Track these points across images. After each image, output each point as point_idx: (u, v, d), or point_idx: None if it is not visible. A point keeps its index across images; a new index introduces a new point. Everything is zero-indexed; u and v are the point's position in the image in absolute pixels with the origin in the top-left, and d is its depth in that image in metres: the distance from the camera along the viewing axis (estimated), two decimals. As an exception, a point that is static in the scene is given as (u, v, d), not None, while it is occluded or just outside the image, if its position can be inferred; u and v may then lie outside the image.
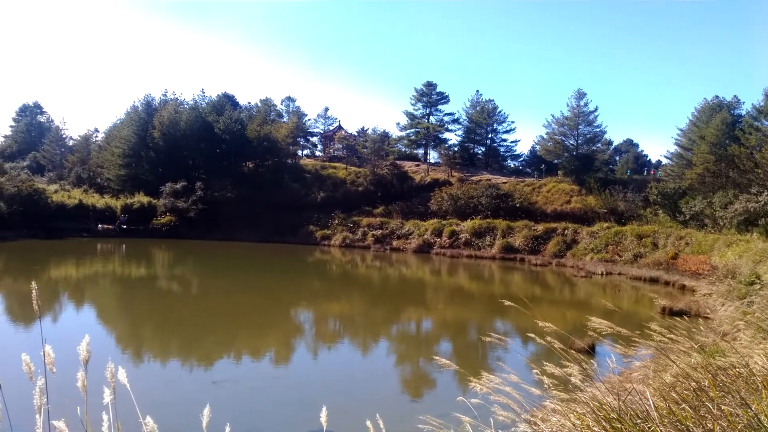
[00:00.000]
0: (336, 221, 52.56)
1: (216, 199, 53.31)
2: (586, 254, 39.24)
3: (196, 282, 29.65)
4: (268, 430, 9.10)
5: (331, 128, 78.48)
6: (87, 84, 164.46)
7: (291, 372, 13.41)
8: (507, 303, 4.19)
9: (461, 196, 51.43)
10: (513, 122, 74.41)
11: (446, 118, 75.80)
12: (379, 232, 50.19)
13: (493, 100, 73.12)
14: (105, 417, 2.44)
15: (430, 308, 24.10)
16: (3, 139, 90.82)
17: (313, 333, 18.42)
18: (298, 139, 70.67)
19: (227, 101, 67.66)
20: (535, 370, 4.20)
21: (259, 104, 72.13)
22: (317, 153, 78.28)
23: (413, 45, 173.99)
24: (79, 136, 78.59)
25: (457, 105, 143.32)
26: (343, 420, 7.49)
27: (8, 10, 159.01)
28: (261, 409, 10.05)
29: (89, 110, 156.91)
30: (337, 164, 66.51)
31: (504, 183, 56.61)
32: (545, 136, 63.31)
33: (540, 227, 44.48)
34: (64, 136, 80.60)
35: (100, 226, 50.54)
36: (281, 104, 76.50)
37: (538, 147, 67.54)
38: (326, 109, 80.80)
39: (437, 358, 4.01)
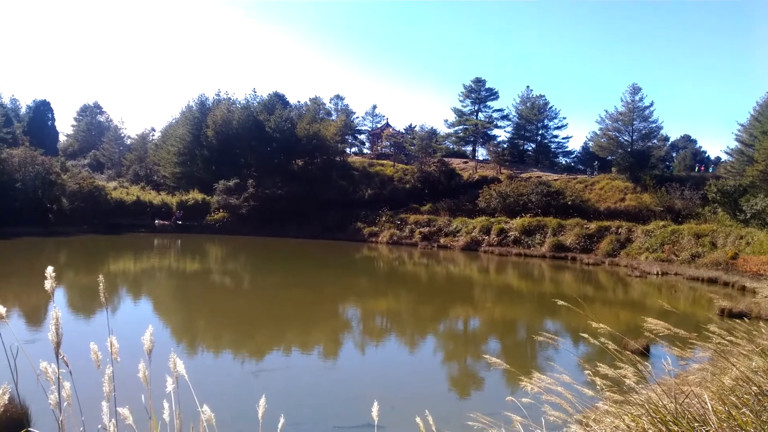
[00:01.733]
0: (383, 218, 52.72)
1: (267, 196, 54.30)
2: (640, 253, 38.08)
3: (247, 277, 30.31)
4: (319, 422, 9.23)
5: (379, 126, 78.72)
6: (144, 84, 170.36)
7: (339, 366, 13.55)
8: (560, 302, 4.11)
9: (510, 193, 50.72)
10: (564, 118, 72.99)
11: (495, 115, 74.92)
12: (427, 229, 50.05)
13: (543, 96, 71.81)
14: (166, 405, 2.54)
15: (477, 306, 23.90)
16: (65, 138, 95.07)
17: (360, 329, 18.57)
18: (347, 136, 71.23)
19: (278, 100, 68.80)
20: (587, 371, 4.12)
21: (309, 103, 73.06)
22: (365, 150, 78.68)
23: (462, 41, 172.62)
24: (137, 135, 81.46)
25: (507, 101, 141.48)
26: (391, 416, 7.52)
27: (69, 14, 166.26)
28: (311, 402, 10.21)
29: (146, 110, 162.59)
30: (384, 162, 66.69)
31: (555, 180, 55.52)
32: (598, 132, 61.67)
33: (592, 225, 43.40)
34: (122, 135, 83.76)
35: (156, 221, 52.32)
36: (330, 102, 77.28)
37: (590, 143, 65.85)
38: (374, 107, 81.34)
39: (487, 356, 3.98)
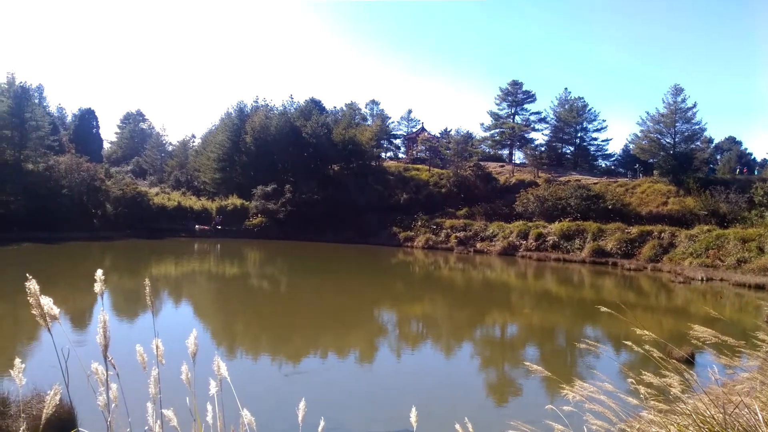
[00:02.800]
0: (419, 223, 52.64)
1: (303, 201, 54.87)
2: (684, 258, 37.02)
3: (284, 281, 30.65)
4: (356, 427, 9.26)
5: (414, 130, 78.72)
6: (185, 92, 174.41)
7: (375, 371, 13.56)
8: (602, 309, 4.03)
9: (548, 197, 50.01)
10: (604, 120, 71.73)
11: (532, 118, 74.21)
12: (462, 234, 49.75)
13: (582, 98, 70.69)
14: (209, 407, 2.59)
15: (515, 312, 23.60)
16: (109, 146, 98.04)
17: (396, 333, 18.55)
18: (382, 141, 71.44)
19: (314, 106, 69.55)
20: (630, 379, 4.03)
21: (345, 108, 73.60)
22: (400, 155, 78.78)
23: (498, 44, 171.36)
24: (178, 141, 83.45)
25: (544, 104, 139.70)
26: (428, 422, 7.46)
27: (113, 26, 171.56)
28: (347, 406, 10.24)
29: (187, 117, 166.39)
30: (420, 166, 66.64)
31: (595, 183, 54.56)
32: (639, 135, 60.40)
33: (634, 230, 42.38)
34: (164, 141, 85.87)
35: (197, 226, 53.41)
36: (365, 108, 77.64)
37: (631, 146, 64.46)
38: (409, 112, 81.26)
39: (527, 363, 3.92)
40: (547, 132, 74.14)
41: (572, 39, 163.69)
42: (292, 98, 72.50)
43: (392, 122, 77.45)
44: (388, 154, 77.67)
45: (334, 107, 75.43)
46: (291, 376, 12.44)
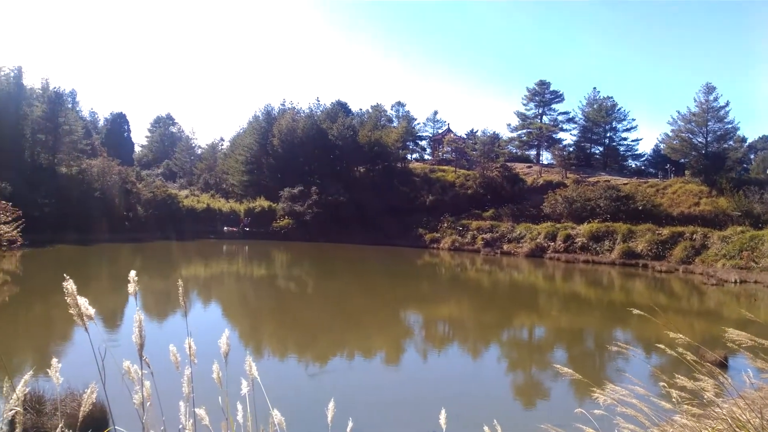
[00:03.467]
0: (445, 224, 52.44)
1: (330, 203, 55.13)
2: (717, 260, 36.16)
3: (311, 282, 30.84)
4: (383, 428, 9.27)
5: (440, 131, 78.52)
6: (214, 96, 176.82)
7: (402, 372, 13.56)
8: (635, 312, 3.96)
9: (577, 198, 49.36)
10: (634, 120, 70.68)
11: (560, 118, 73.45)
12: (489, 235, 49.40)
13: (611, 98, 69.72)
14: (239, 407, 2.62)
15: (543, 314, 23.35)
16: (140, 149, 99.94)
17: (422, 335, 18.51)
18: (408, 143, 71.44)
19: (340, 108, 69.90)
20: (662, 383, 3.96)
21: (370, 110, 73.80)
22: (426, 156, 78.62)
23: (525, 44, 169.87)
24: (207, 144, 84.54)
25: (573, 103, 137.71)
26: (456, 424, 7.42)
27: (142, 31, 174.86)
28: (374, 407, 10.26)
29: (216, 120, 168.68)
30: (445, 167, 66.43)
31: (624, 184, 53.69)
32: (670, 134, 59.21)
33: (665, 231, 41.54)
34: (193, 145, 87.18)
35: (225, 228, 54.09)
36: (391, 109, 77.73)
37: (662, 145, 63.27)
38: (435, 113, 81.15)
39: (558, 366, 3.88)
40: (575, 132, 73.37)
41: (601, 37, 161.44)
42: (318, 101, 72.96)
43: (418, 124, 77.41)
44: (414, 156, 77.59)
45: (360, 109, 75.79)
46: (318, 377, 12.52)
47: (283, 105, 69.12)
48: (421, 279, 33.63)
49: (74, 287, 2.23)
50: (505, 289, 30.85)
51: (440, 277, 35.28)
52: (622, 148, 71.72)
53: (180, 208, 54.16)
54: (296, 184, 57.07)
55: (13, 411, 2.40)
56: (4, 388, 2.61)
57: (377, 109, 73.23)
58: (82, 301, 2.27)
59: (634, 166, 71.56)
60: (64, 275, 2.24)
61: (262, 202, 57.99)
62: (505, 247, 47.67)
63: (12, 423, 5.43)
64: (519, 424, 8.94)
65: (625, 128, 70.27)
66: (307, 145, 60.70)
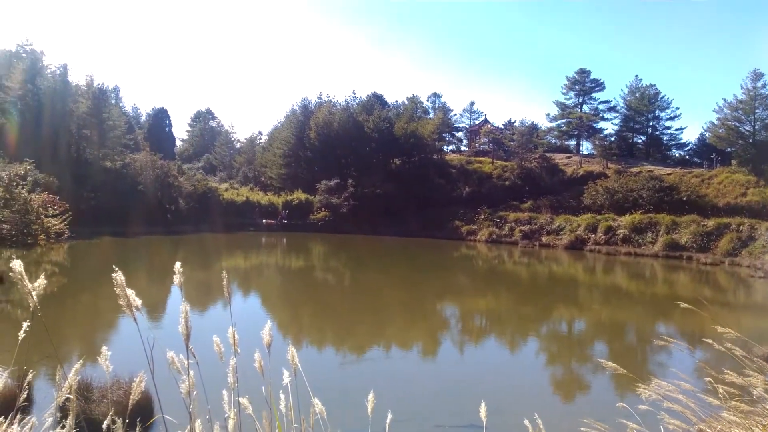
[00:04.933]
0: (482, 216, 51.99)
1: (366, 195, 55.32)
2: (765, 252, 34.82)
3: (348, 274, 31.05)
4: (420, 420, 9.29)
5: (477, 122, 77.74)
6: (252, 90, 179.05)
7: (439, 365, 13.55)
8: (682, 305, 3.86)
9: (619, 189, 48.29)
10: (678, 108, 68.49)
11: (601, 107, 71.84)
12: (527, 227, 48.77)
13: (654, 85, 67.77)
14: (282, 396, 2.66)
15: (583, 308, 22.98)
16: (181, 143, 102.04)
17: (459, 328, 18.46)
18: (444, 134, 70.98)
19: (376, 101, 69.88)
20: (707, 378, 3.85)
21: (406, 102, 73.56)
22: (462, 148, 77.98)
23: (564, 31, 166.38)
24: (246, 138, 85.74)
25: (614, 92, 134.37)
26: (496, 417, 7.35)
27: (183, 28, 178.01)
28: (411, 399, 10.29)
29: (254, 114, 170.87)
30: (482, 158, 65.80)
31: (668, 174, 52.26)
32: (716, 122, 57.16)
33: (710, 222, 40.26)
34: (232, 139, 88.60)
35: (264, 221, 54.93)
36: (427, 101, 77.27)
37: (707, 134, 61.21)
38: (472, 104, 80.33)
39: (601, 360, 3.81)
40: (616, 121, 71.69)
41: (643, 24, 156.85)
42: (354, 93, 73.04)
43: (454, 115, 76.79)
44: (450, 147, 77.06)
45: (396, 101, 75.59)
46: (355, 367, 12.62)
47: (320, 98, 69.59)
48: (458, 271, 33.48)
49: (123, 278, 2.29)
50: (544, 282, 30.45)
51: (477, 270, 35.05)
52: (665, 138, 69.83)
53: (220, 201, 55.20)
54: (333, 176, 57.44)
55: (64, 397, 2.49)
56: (57, 376, 2.71)
57: (413, 100, 72.93)
58: (130, 292, 2.34)
59: (678, 155, 69.59)
60: (113, 267, 2.31)
61: (299, 195, 58.60)
62: (544, 239, 47.01)
63: (62, 409, 5.62)
64: (559, 418, 8.84)
65: (668, 117, 68.37)
66: (343, 137, 60.99)
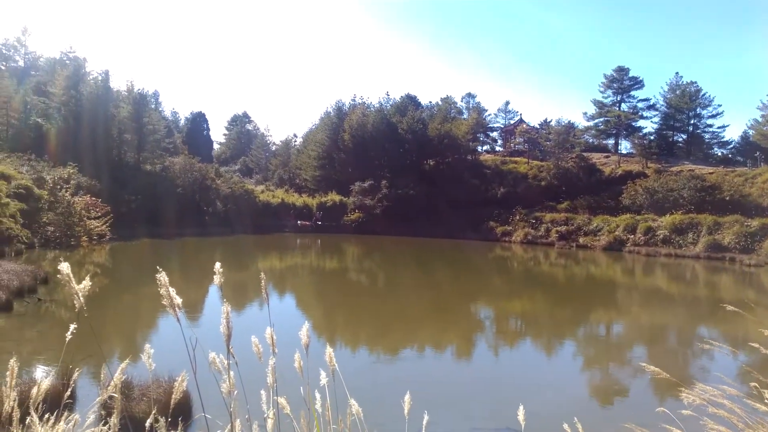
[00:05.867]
0: (517, 217, 51.48)
1: (399, 197, 55.38)
2: (814, 254, 33.62)
3: (382, 275, 31.09)
4: (456, 423, 9.23)
5: (512, 122, 77.04)
6: (287, 93, 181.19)
7: (474, 367, 13.44)
8: (729, 308, 3.76)
9: (659, 188, 47.20)
10: (720, 105, 66.70)
11: (640, 105, 70.47)
12: (564, 228, 48.07)
13: (695, 83, 66.13)
14: (318, 396, 2.69)
15: (621, 310, 22.50)
16: (218, 146, 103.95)
17: (494, 330, 18.28)
18: (478, 134, 70.55)
19: (410, 102, 69.93)
20: (753, 383, 3.73)
21: (440, 103, 73.39)
22: (497, 148, 77.40)
23: (601, 30, 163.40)
24: (281, 141, 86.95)
25: (653, 90, 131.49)
26: (534, 421, 7.26)
27: (220, 33, 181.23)
28: (446, 401, 10.23)
29: (289, 117, 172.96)
30: (518, 159, 65.18)
31: (710, 173, 50.86)
32: (760, 120, 55.43)
33: (754, 223, 38.98)
34: (268, 141, 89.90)
35: (299, 222, 55.53)
36: (461, 101, 77.00)
37: (751, 132, 59.36)
38: (507, 103, 79.80)
39: (644, 364, 3.74)
40: (656, 120, 70.25)
41: (682, 20, 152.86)
42: (388, 95, 73.49)
43: (489, 115, 76.32)
44: (485, 148, 76.55)
45: (430, 102, 75.49)
46: (389, 369, 12.62)
47: (354, 100, 70.06)
48: (493, 273, 33.17)
49: (167, 279, 2.35)
50: (581, 284, 29.93)
51: (512, 271, 34.67)
52: (707, 136, 68.00)
53: (256, 202, 56.04)
54: (366, 178, 57.68)
55: (109, 395, 2.57)
56: (102, 375, 2.80)
57: (447, 101, 72.69)
58: (172, 293, 2.40)
59: (720, 154, 67.69)
60: (157, 267, 2.37)
61: (333, 197, 59.05)
62: (581, 240, 46.27)
63: (104, 406, 5.76)
64: (599, 423, 8.68)
65: (710, 114, 66.58)
66: (377, 139, 61.19)
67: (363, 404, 2.83)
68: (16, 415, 2.65)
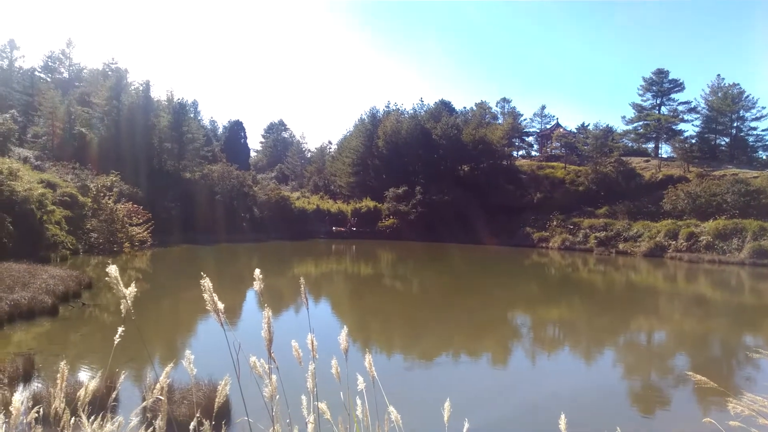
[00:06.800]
0: (554, 223, 50.75)
1: (434, 203, 55.24)
2: None
3: (416, 281, 31.03)
4: (499, 430, 9.14)
5: (548, 127, 76.06)
6: (322, 101, 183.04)
7: (512, 375, 13.29)
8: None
9: (701, 193, 45.92)
10: (764, 108, 64.53)
11: (681, 108, 68.83)
12: (603, 234, 47.17)
13: (738, 84, 64.22)
14: (358, 402, 2.72)
15: (663, 318, 21.92)
16: (255, 154, 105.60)
17: (531, 337, 18.03)
18: (513, 139, 69.90)
19: (444, 108, 69.78)
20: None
21: (474, 108, 73.02)
22: (533, 153, 76.54)
23: (640, 31, 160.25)
24: (316, 148, 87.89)
25: (694, 92, 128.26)
26: (575, 429, 7.13)
27: (256, 45, 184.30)
28: (484, 409, 10.14)
29: (324, 125, 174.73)
30: (554, 164, 64.29)
31: (754, 177, 49.20)
32: (809, 121, 53.44)
33: (802, 228, 37.61)
34: (303, 149, 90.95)
35: (333, 228, 55.93)
36: (496, 106, 76.46)
37: (798, 134, 57.31)
38: (543, 107, 78.77)
39: (689, 373, 3.65)
40: (697, 123, 68.48)
41: (723, 20, 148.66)
42: (422, 101, 73.43)
43: (524, 119, 75.61)
44: (520, 153, 75.83)
45: (464, 107, 75.26)
46: (425, 375, 12.57)
47: (388, 107, 70.34)
48: (530, 279, 32.75)
49: (210, 285, 2.41)
50: (621, 291, 29.28)
51: (550, 278, 34.15)
52: (751, 139, 65.90)
53: (292, 209, 56.69)
54: (401, 184, 57.74)
55: (154, 398, 2.64)
56: (148, 378, 2.87)
57: (482, 106, 72.29)
58: (216, 298, 2.45)
59: (765, 157, 65.46)
60: (201, 273, 2.43)
61: (368, 203, 59.29)
62: (621, 246, 45.33)
63: (146, 408, 5.90)
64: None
65: (754, 117, 64.53)
66: (411, 145, 61.23)
67: (399, 409, 2.84)
68: (66, 416, 2.75)
